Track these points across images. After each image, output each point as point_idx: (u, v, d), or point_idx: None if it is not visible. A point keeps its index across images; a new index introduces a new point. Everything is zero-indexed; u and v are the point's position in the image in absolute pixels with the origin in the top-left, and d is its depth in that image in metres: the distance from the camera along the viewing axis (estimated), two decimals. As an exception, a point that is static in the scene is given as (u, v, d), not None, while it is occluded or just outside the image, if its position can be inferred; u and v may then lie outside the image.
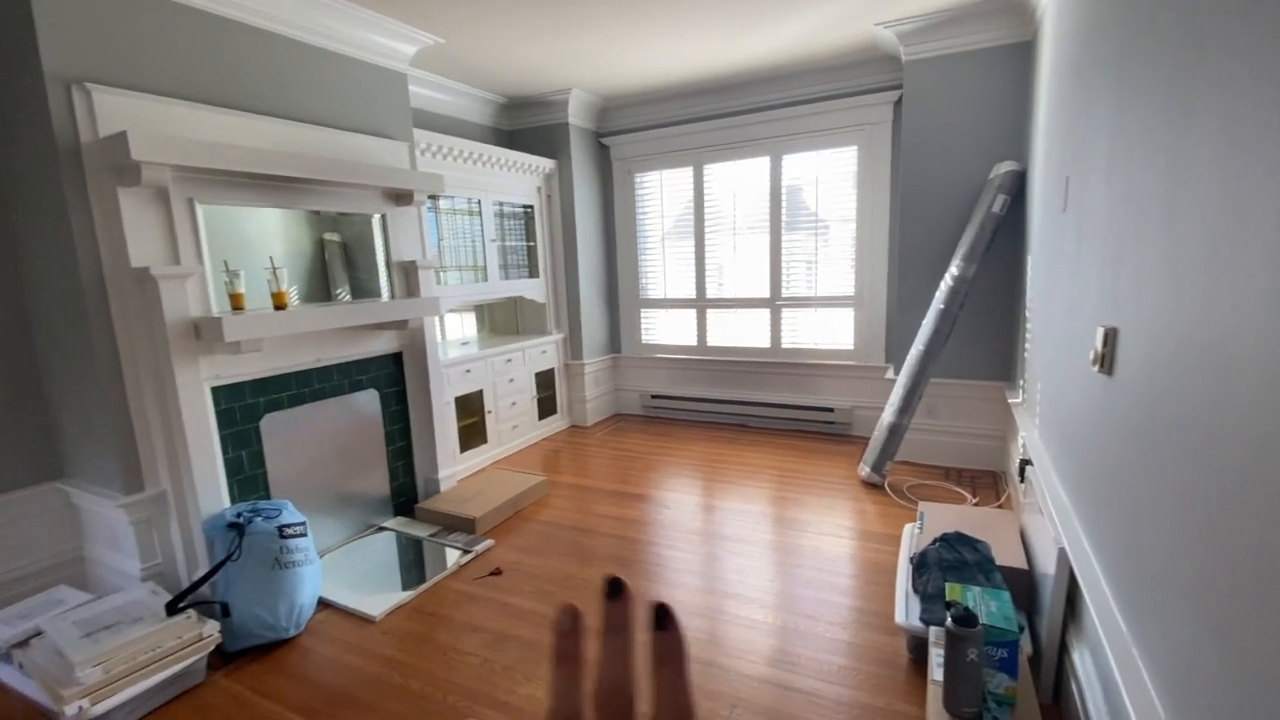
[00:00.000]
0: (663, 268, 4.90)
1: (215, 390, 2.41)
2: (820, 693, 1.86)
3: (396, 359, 3.20)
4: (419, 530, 3.06)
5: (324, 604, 2.46)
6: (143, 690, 1.85)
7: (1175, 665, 0.97)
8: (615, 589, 0.27)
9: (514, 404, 4.31)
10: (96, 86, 2.06)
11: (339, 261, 2.99)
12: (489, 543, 2.91)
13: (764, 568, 2.62)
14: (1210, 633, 0.85)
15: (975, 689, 1.42)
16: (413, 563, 2.79)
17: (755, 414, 4.64)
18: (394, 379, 3.19)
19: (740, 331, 4.70)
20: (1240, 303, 0.79)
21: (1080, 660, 1.58)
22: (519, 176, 4.32)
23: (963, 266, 3.17)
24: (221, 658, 2.14)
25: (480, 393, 4.00)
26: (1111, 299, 1.38)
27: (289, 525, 2.28)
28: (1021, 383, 3.00)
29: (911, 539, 2.37)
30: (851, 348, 4.29)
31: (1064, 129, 2.11)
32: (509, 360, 4.24)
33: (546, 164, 4.48)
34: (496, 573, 2.66)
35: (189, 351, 2.26)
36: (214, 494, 2.35)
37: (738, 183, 4.48)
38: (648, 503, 3.37)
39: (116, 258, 2.14)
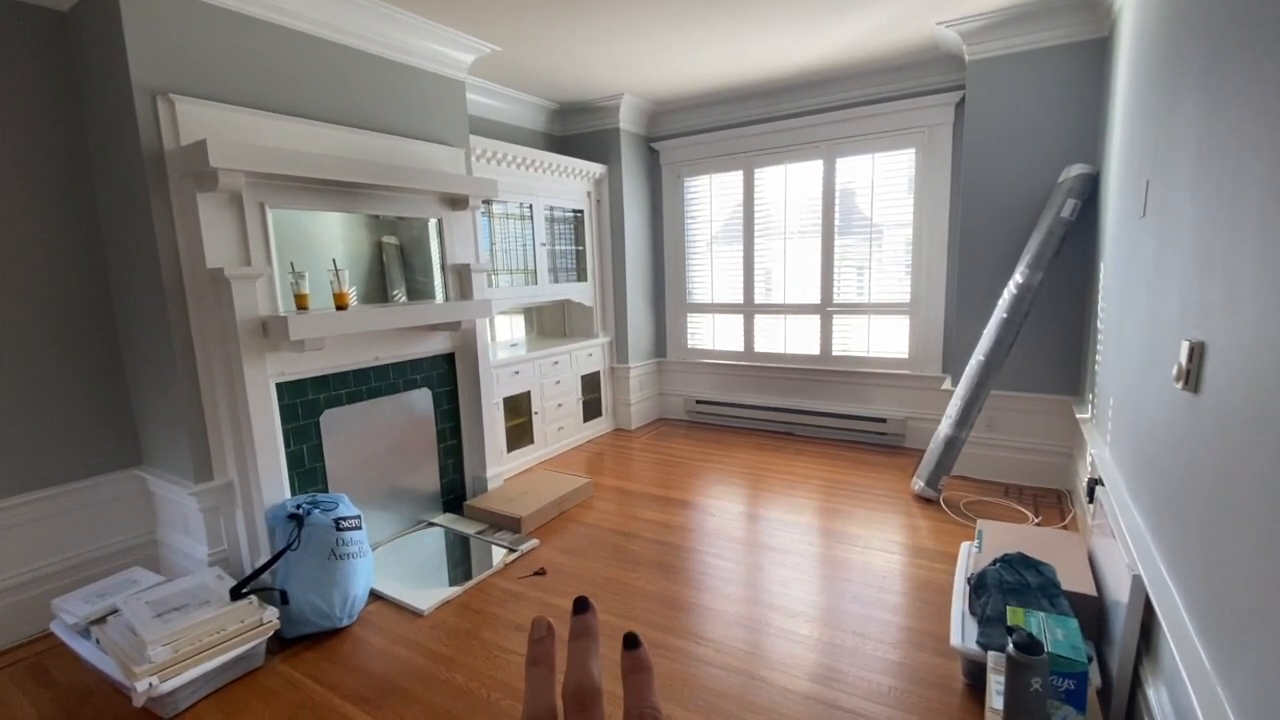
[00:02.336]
0: (710, 272, 4.86)
1: (280, 386, 2.52)
2: (867, 713, 1.80)
3: (449, 359, 3.28)
4: (466, 527, 3.12)
5: (375, 596, 2.54)
6: (207, 670, 1.94)
7: (1265, 707, 0.89)
8: (581, 606, 0.34)
9: (560, 406, 4.35)
10: (179, 97, 2.19)
11: (396, 264, 3.09)
12: (534, 542, 2.95)
13: (810, 581, 2.56)
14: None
15: (1038, 721, 1.34)
16: (460, 559, 2.84)
17: (803, 422, 4.55)
18: (446, 379, 3.27)
19: (789, 338, 4.62)
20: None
21: (1155, 696, 1.48)
22: (569, 181, 4.37)
23: (1028, 274, 3.03)
24: (280, 643, 2.23)
25: (528, 394, 4.06)
26: (1198, 311, 1.29)
27: (345, 518, 2.36)
28: (1091, 397, 2.84)
29: (969, 558, 2.27)
30: (906, 356, 4.16)
31: (1144, 129, 1.98)
32: (556, 363, 4.29)
33: (597, 169, 4.52)
34: (541, 573, 2.68)
35: (257, 349, 2.37)
36: (276, 485, 2.45)
37: (789, 186, 4.41)
38: (691, 509, 3.34)
39: (194, 259, 2.27)
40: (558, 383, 4.31)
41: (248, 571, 2.37)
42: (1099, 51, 3.03)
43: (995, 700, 1.45)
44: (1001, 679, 1.44)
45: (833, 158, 4.18)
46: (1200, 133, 1.37)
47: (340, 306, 2.60)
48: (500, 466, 3.63)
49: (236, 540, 2.45)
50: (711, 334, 4.97)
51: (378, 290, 2.98)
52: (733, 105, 4.46)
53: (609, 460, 4.21)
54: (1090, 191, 2.96)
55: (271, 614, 2.12)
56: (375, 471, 2.95)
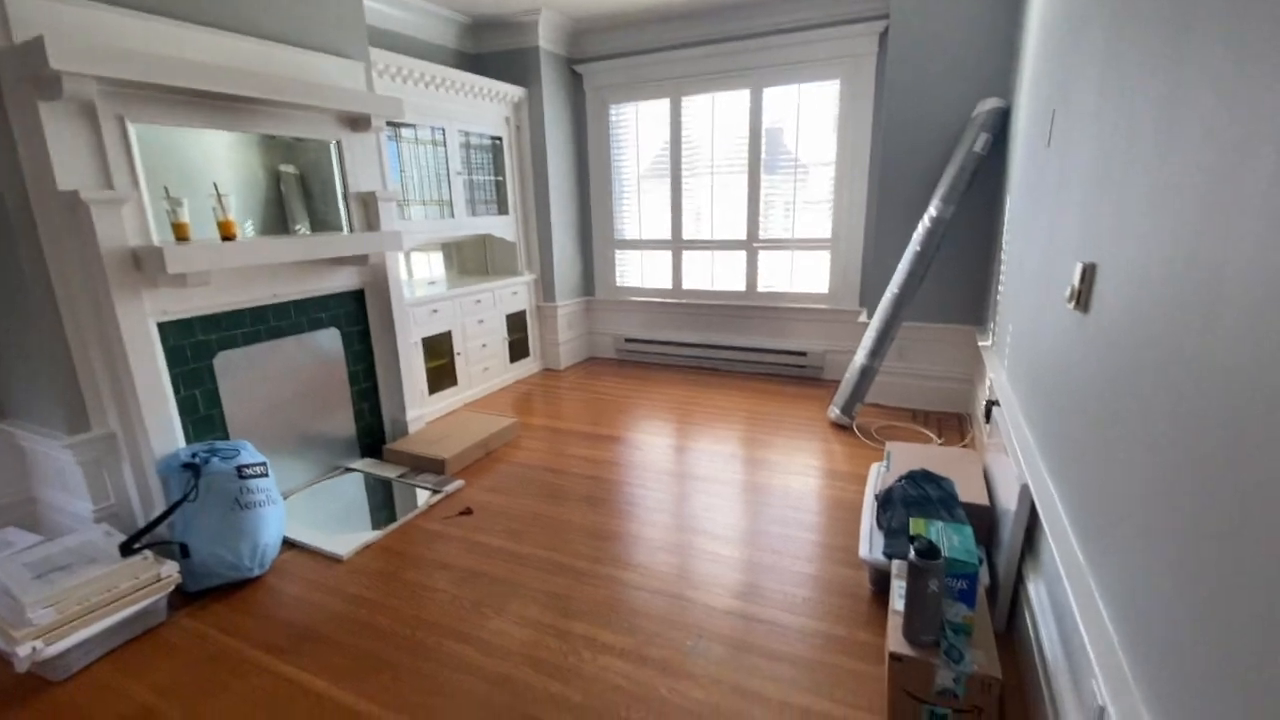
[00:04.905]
0: (638, 207, 4.76)
1: (163, 326, 2.28)
2: (783, 623, 1.91)
3: (359, 296, 3.07)
4: (387, 471, 3.02)
5: (290, 544, 2.43)
6: (99, 631, 1.81)
7: (1131, 597, 0.98)
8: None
9: (484, 346, 4.22)
10: (1, -18, 1.83)
11: (296, 194, 2.81)
12: (459, 483, 2.89)
13: (732, 506, 2.65)
14: (1167, 566, 0.85)
15: (934, 619, 1.45)
16: (381, 503, 2.76)
17: (729, 358, 4.64)
18: (356, 317, 3.07)
19: (716, 275, 4.63)
20: (1236, 230, 0.75)
21: (1035, 591, 1.64)
22: (486, 104, 4.08)
23: (940, 208, 3.13)
24: (183, 598, 2.11)
25: (449, 334, 3.90)
26: (1094, 234, 1.35)
27: (248, 465, 2.21)
28: (992, 325, 3.01)
29: (878, 478, 2.41)
30: (826, 291, 4.27)
31: (1052, 60, 2.03)
32: (478, 301, 4.12)
33: (515, 92, 4.24)
34: (467, 512, 2.64)
35: (130, 284, 2.12)
36: (167, 434, 2.25)
37: (717, 119, 4.30)
38: (620, 444, 3.37)
39: (41, 179, 1.97)
40: (481, 322, 4.16)
41: (140, 526, 2.20)
42: (1016, -17, 3.05)
43: (897, 603, 1.56)
44: (903, 584, 1.55)
45: (760, 87, 4.09)
46: (1104, 60, 1.39)
47: (227, 237, 2.35)
48: (421, 409, 3.51)
49: (125, 494, 2.26)
50: (640, 271, 4.91)
51: (277, 222, 2.71)
52: (660, 27, 4.25)
53: (537, 400, 4.16)
54: (1001, 126, 3.05)
55: (171, 568, 1.99)
56: (283, 417, 2.78)
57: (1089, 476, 1.25)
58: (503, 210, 4.38)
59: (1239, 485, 0.69)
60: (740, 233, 4.43)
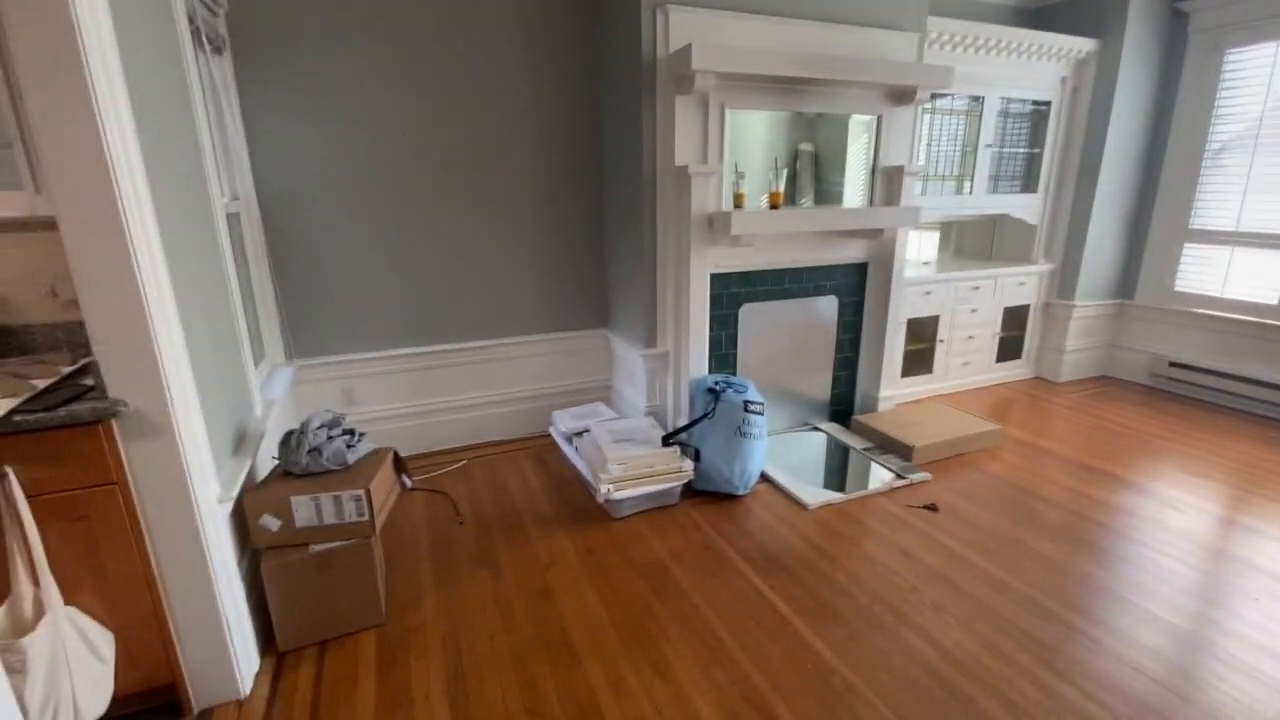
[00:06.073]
0: (1243, 185, 3.45)
1: (713, 276, 2.82)
2: None
3: (861, 269, 3.16)
4: (852, 441, 3.10)
5: (765, 478, 2.77)
6: (642, 494, 2.44)
7: None
8: None
9: (971, 338, 3.85)
10: (673, 6, 2.46)
11: (809, 170, 3.04)
12: (925, 475, 2.76)
13: (1354, 643, 1.76)
14: None
15: None
16: (837, 468, 2.86)
17: (1371, 422, 3.03)
18: (855, 289, 3.18)
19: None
20: None
21: None
22: (1038, 65, 3.54)
23: None
24: (689, 491, 2.65)
25: (935, 319, 3.69)
26: None
27: (752, 402, 2.58)
28: None
29: None
30: None
31: None
32: (976, 288, 3.75)
33: (1083, 45, 3.54)
34: (932, 508, 2.51)
35: (702, 241, 2.67)
36: (699, 362, 2.82)
37: None
38: (1125, 487, 2.63)
39: (666, 157, 2.63)
40: (974, 311, 3.78)
41: (671, 427, 2.84)
42: None
43: None
44: None
45: None
46: None
47: (773, 206, 2.72)
48: (893, 390, 3.45)
49: (664, 399, 2.94)
50: (1223, 274, 3.61)
51: (788, 196, 3.00)
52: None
53: (1021, 409, 3.59)
54: None
55: (688, 465, 2.52)
56: (777, 367, 3.13)
57: None
58: (1030, 188, 3.81)
59: None
60: None
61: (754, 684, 1.64)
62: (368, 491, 1.75)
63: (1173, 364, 3.77)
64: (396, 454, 2.06)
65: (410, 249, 2.87)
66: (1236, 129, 3.44)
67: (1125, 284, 4.02)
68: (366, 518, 1.77)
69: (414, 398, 3.04)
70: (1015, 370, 4.12)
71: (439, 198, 2.87)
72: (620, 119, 2.82)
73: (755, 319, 3.00)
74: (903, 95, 2.85)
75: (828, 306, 3.16)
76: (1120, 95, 3.57)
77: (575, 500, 2.62)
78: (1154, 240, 3.85)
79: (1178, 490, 2.63)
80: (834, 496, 2.58)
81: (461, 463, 2.99)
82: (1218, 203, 3.56)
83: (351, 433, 1.94)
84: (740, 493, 2.60)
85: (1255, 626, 1.83)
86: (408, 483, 2.13)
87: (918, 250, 4.21)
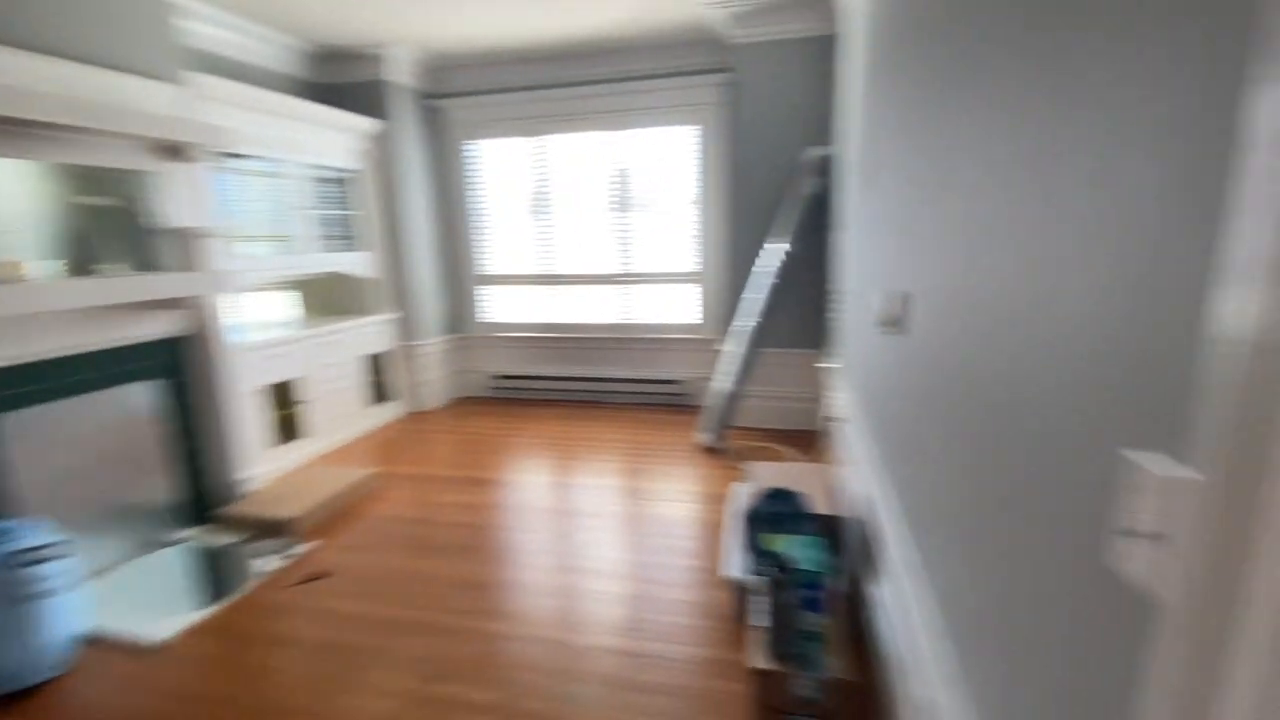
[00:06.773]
0: (504, 242, 4.70)
1: (-90, 388, 1.87)
2: (661, 653, 1.91)
3: (174, 345, 2.72)
4: (221, 539, 2.66)
5: (94, 637, 2.05)
6: None
7: (948, 586, 1.10)
8: None
9: (338, 391, 3.91)
10: None
11: (110, 229, 2.46)
12: (310, 545, 2.62)
13: (611, 540, 2.64)
14: (962, 556, 0.97)
15: (790, 630, 1.53)
16: (209, 578, 2.42)
17: (604, 389, 4.67)
18: (173, 368, 2.72)
19: (587, 308, 4.68)
20: (997, 264, 0.89)
21: (881, 593, 1.78)
22: (335, 136, 3.87)
23: (786, 244, 3.41)
24: (-64, 725, 1.70)
25: (302, 380, 3.57)
26: (907, 268, 1.53)
27: (32, 548, 1.85)
28: (833, 350, 3.31)
29: (739, 498, 2.52)
30: (700, 321, 4.44)
31: (865, 119, 2.31)
32: (328, 343, 3.82)
33: (371, 124, 4.06)
34: (318, 576, 2.39)
35: None
36: (-86, 521, 1.83)
37: (581, 156, 4.40)
38: (495, 487, 3.25)
39: None
40: (332, 365, 3.85)
41: (-127, 641, 1.74)
42: (831, 46, 3.47)
43: (757, 619, 1.63)
44: (761, 599, 1.62)
45: (621, 129, 4.25)
46: (896, 127, 1.61)
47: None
48: (259, 467, 3.15)
49: None
50: (509, 307, 4.83)
51: (80, 260, 2.35)
52: (518, 68, 4.29)
53: (403, 445, 3.91)
54: (827, 170, 3.41)
55: (-84, 690, 1.59)
56: (92, 486, 2.37)
57: (915, 482, 1.40)
58: (358, 247, 4.13)
59: (1009, 472, 0.81)
60: (609, 267, 4.52)
61: None
62: None
63: (498, 376, 4.85)
64: None
65: None
66: (486, 198, 4.66)
67: (456, 320, 4.90)
68: None
69: None
70: (390, 411, 4.44)
71: None
72: None
73: (38, 430, 2.17)
74: (176, 151, 2.57)
75: (143, 394, 2.59)
76: (406, 168, 4.29)
77: None
78: (463, 286, 4.83)
79: (519, 474, 3.38)
80: (194, 618, 2.13)
81: None
82: (496, 255, 4.75)
83: None
84: (41, 679, 1.83)
85: (580, 557, 2.51)
86: None
87: (281, 311, 3.97)
